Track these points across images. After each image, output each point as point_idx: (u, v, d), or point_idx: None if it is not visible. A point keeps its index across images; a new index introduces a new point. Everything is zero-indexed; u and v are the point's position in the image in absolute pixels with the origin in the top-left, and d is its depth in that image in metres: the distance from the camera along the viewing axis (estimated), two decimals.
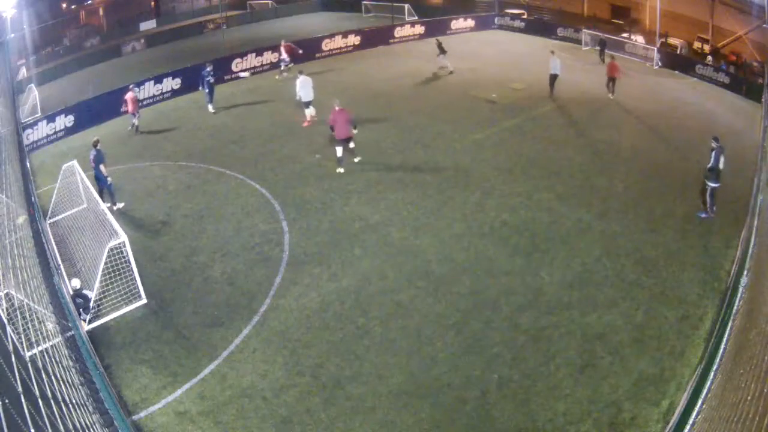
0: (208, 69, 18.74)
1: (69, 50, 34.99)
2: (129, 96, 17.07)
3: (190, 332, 8.57)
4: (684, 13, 28.90)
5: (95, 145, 12.19)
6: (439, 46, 23.15)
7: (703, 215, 11.41)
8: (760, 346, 4.72)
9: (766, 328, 4.91)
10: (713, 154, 11.07)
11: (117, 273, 9.08)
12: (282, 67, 22.59)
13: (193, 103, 19.95)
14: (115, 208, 12.17)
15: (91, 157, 12.08)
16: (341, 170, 13.79)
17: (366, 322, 8.66)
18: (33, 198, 11.37)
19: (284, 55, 22.40)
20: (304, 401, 7.26)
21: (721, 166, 11.01)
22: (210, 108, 18.85)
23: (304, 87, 16.73)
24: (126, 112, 17.55)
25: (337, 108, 13.53)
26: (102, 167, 11.98)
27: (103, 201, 11.88)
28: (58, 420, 3.87)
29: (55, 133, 17.21)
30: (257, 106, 19.32)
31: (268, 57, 24.11)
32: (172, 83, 20.56)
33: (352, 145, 14.00)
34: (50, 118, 17.13)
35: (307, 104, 16.89)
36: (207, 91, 18.74)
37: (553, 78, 19.69)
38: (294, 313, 8.93)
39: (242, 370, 7.81)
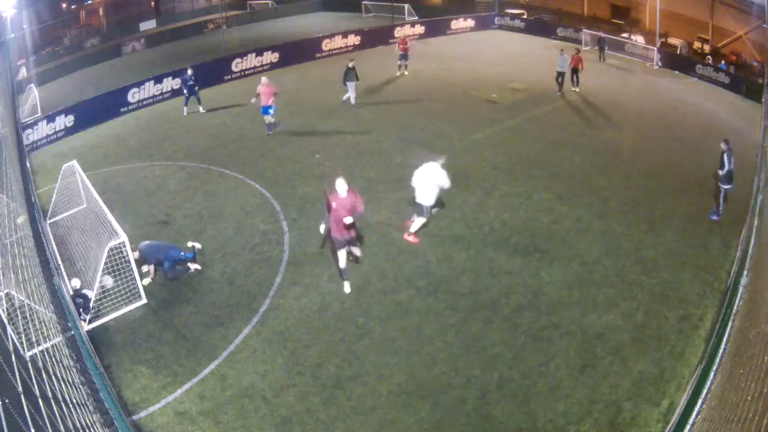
0: (189, 73, 18.53)
1: (69, 50, 35.05)
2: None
3: (190, 332, 8.57)
4: (684, 13, 28.95)
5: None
6: (348, 72, 18.35)
7: (715, 218, 11.42)
8: (759, 346, 4.72)
9: (765, 328, 4.91)
10: (725, 156, 11.01)
11: (117, 273, 9.09)
12: None
13: (193, 103, 19.93)
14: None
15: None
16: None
17: (366, 322, 8.66)
18: (33, 198, 11.36)
19: None
20: (304, 401, 7.26)
21: (731, 168, 11.00)
22: (185, 110, 18.88)
23: (426, 181, 10.22)
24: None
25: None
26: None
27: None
28: (58, 420, 3.87)
29: (55, 133, 17.21)
30: (257, 106, 19.29)
31: (269, 57, 24.14)
32: (172, 83, 20.57)
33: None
34: (50, 118, 17.13)
35: (421, 210, 10.47)
36: (187, 95, 18.65)
37: (559, 75, 19.98)
38: (294, 313, 8.93)
39: (242, 370, 7.80)
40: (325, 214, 9.10)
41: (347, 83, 18.47)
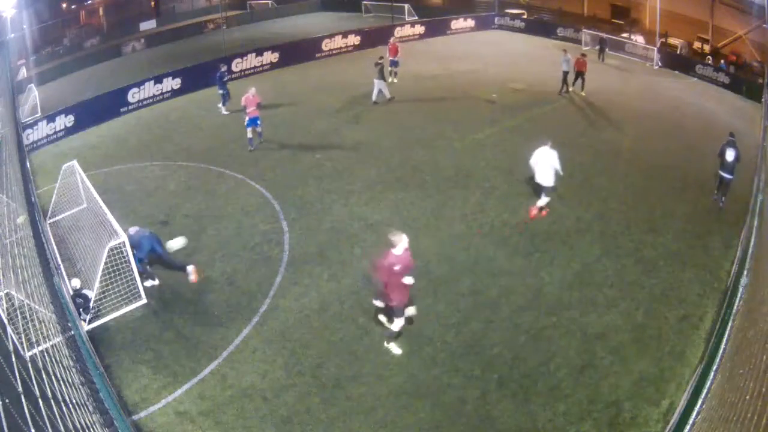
0: (224, 69, 18.48)
1: (69, 50, 35.03)
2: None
3: (190, 332, 8.57)
4: (684, 13, 28.93)
5: None
6: (380, 69, 18.56)
7: (714, 197, 12.07)
8: (758, 345, 4.72)
9: (764, 328, 4.91)
10: (723, 147, 11.69)
11: (117, 273, 9.08)
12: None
13: (193, 103, 19.96)
14: None
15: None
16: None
17: (366, 322, 8.66)
18: (33, 198, 11.36)
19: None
20: (304, 401, 7.26)
21: (728, 158, 11.48)
22: (223, 110, 18.56)
23: (542, 165, 11.22)
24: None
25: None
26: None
27: None
28: (58, 420, 3.87)
29: (55, 133, 17.21)
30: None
31: (269, 57, 24.13)
32: (172, 83, 20.57)
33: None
34: (50, 118, 17.13)
35: (545, 190, 11.37)
36: (223, 92, 18.30)
37: (565, 75, 19.91)
38: (294, 313, 8.93)
39: (242, 370, 7.81)
40: (377, 281, 7.59)
41: (376, 80, 18.64)
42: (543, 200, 11.43)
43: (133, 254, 9.06)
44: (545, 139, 11.25)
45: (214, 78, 18.67)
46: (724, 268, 9.74)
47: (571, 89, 20.04)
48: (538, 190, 11.53)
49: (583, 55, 20.44)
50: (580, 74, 19.81)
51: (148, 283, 9.58)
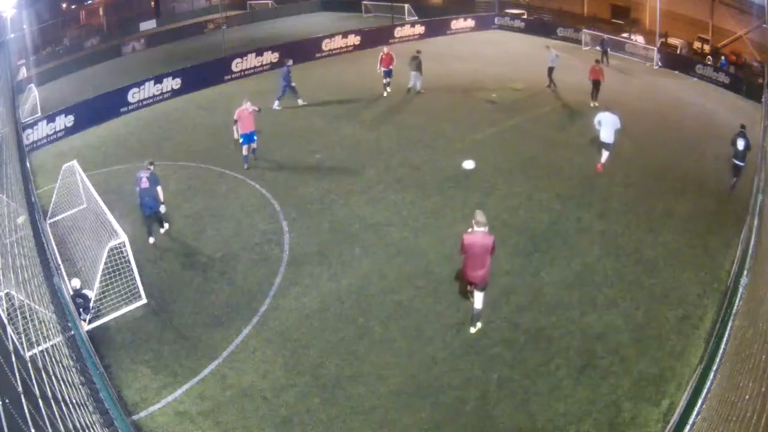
0: (289, 64, 18.63)
1: (69, 50, 35.01)
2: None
3: (190, 332, 8.57)
4: (684, 13, 28.93)
5: None
6: (417, 63, 19.32)
7: (730, 180, 12.85)
8: (757, 345, 4.72)
9: (764, 327, 4.91)
10: (736, 137, 12.55)
11: (117, 273, 9.09)
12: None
13: (193, 103, 19.96)
14: None
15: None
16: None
17: (366, 322, 8.66)
18: (33, 198, 11.36)
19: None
20: (304, 401, 7.27)
21: (739, 147, 12.41)
22: (277, 103, 18.64)
23: (606, 126, 13.25)
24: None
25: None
26: None
27: None
28: (58, 420, 3.87)
29: (55, 133, 17.21)
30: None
31: (269, 57, 24.13)
32: (172, 83, 20.55)
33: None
34: (50, 118, 17.12)
35: (608, 147, 13.45)
36: (285, 89, 18.26)
37: (550, 70, 20.33)
38: (294, 313, 8.94)
39: (242, 370, 7.81)
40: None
41: (413, 72, 19.52)
42: (605, 155, 13.47)
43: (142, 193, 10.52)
44: (606, 107, 13.76)
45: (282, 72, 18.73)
46: (724, 268, 9.74)
47: (593, 104, 18.53)
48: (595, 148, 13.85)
49: (597, 61, 19.18)
50: (596, 84, 18.45)
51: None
